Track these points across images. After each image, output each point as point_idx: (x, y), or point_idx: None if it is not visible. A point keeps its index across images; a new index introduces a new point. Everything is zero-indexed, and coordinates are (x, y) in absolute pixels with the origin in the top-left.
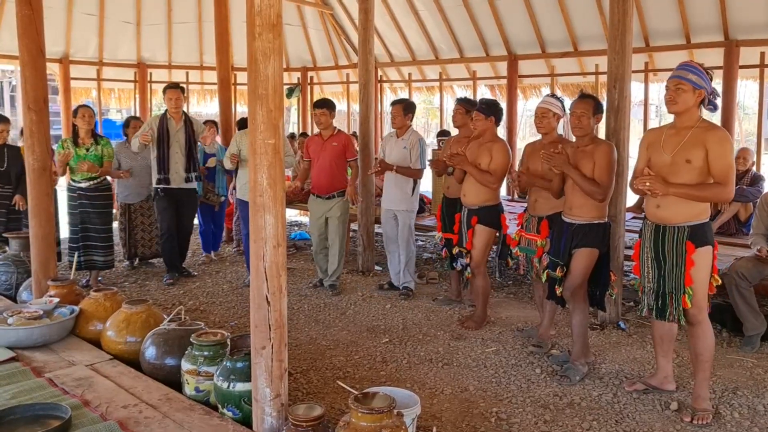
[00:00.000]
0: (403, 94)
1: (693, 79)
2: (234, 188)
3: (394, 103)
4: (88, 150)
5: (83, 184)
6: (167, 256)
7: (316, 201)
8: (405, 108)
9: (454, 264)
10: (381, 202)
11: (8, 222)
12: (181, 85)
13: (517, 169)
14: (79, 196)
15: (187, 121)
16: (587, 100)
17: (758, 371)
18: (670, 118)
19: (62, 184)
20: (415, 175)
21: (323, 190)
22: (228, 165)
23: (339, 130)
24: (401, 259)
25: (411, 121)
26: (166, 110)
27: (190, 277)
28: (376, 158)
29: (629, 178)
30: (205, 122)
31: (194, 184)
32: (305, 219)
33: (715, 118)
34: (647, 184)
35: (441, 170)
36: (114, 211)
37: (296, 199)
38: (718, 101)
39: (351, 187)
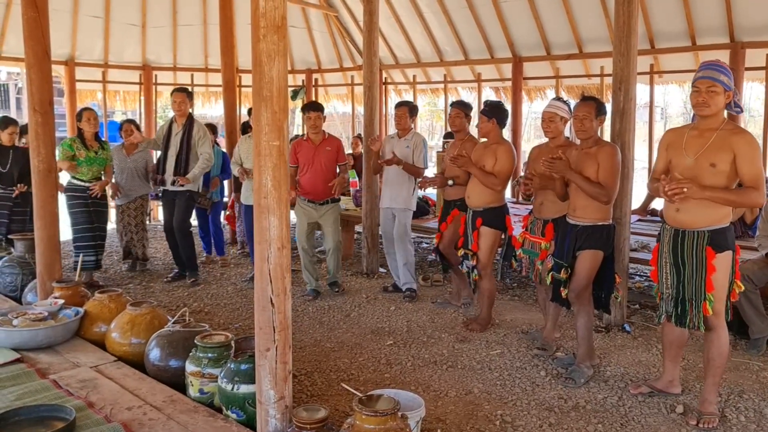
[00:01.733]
0: (408, 97)
1: (724, 81)
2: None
3: (399, 105)
4: (96, 153)
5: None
6: (172, 253)
7: (308, 207)
8: (411, 110)
9: (459, 267)
10: (380, 202)
11: (11, 223)
12: (189, 89)
13: (522, 173)
14: (89, 195)
15: (188, 124)
16: (589, 103)
17: (764, 374)
18: (675, 121)
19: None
20: (419, 173)
21: (319, 195)
22: (236, 172)
23: (329, 134)
24: (399, 259)
25: (414, 123)
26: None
27: (193, 279)
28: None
29: (635, 179)
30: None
31: (183, 188)
32: None
33: None
34: (685, 190)
35: (442, 184)
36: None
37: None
38: (740, 101)
39: (340, 186)
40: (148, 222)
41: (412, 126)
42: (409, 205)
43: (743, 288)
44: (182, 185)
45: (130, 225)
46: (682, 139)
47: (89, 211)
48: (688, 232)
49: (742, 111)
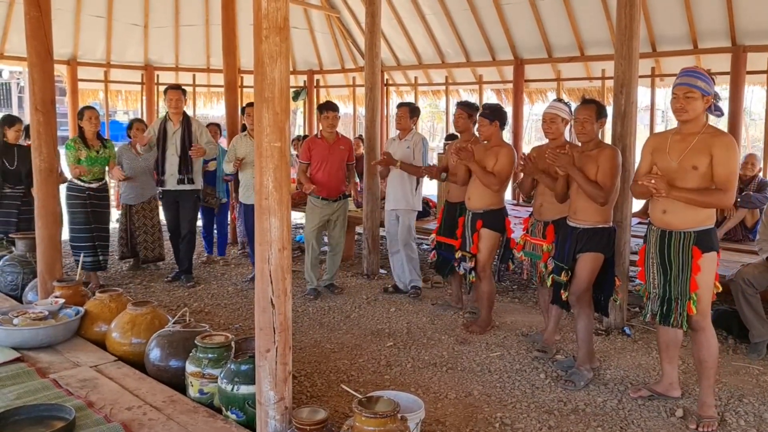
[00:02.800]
0: (409, 98)
1: (701, 86)
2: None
3: (400, 105)
4: (98, 152)
5: (93, 185)
6: (174, 253)
7: (321, 203)
8: (411, 111)
9: (456, 268)
10: (386, 203)
11: (19, 222)
12: (183, 87)
13: (522, 176)
14: (89, 196)
15: (185, 122)
16: (590, 106)
17: (765, 378)
18: (676, 124)
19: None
20: (418, 172)
21: (333, 193)
22: (230, 169)
23: (342, 134)
24: (403, 259)
25: (415, 124)
26: (167, 113)
27: (191, 282)
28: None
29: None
30: (208, 125)
31: (191, 186)
32: None
33: (722, 124)
34: (652, 181)
35: (434, 175)
36: (114, 211)
37: (302, 201)
38: (721, 104)
39: (355, 189)
40: None
41: (413, 127)
42: (413, 206)
43: (720, 289)
44: (191, 182)
45: (145, 226)
46: (666, 143)
47: (87, 212)
48: (675, 233)
49: (722, 114)
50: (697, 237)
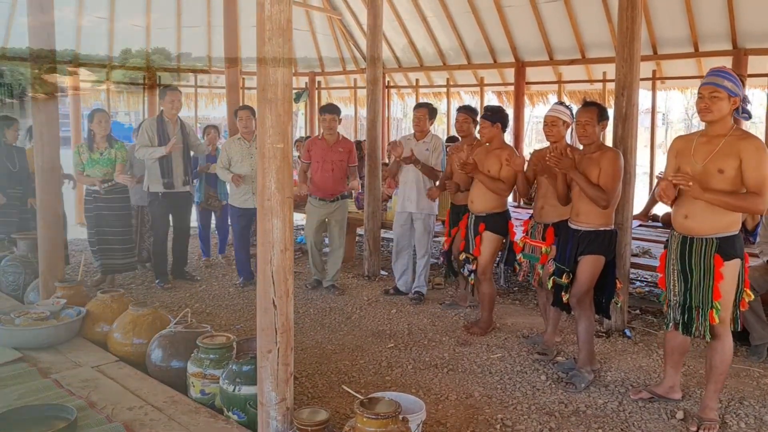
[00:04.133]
0: (411, 100)
1: (728, 86)
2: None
3: (419, 107)
4: (101, 154)
5: (96, 187)
6: (159, 262)
7: (318, 204)
8: (430, 112)
9: (461, 271)
10: (397, 205)
11: (20, 222)
12: (180, 88)
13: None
14: (95, 199)
15: (181, 124)
16: (591, 108)
17: (765, 381)
18: (676, 127)
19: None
20: (436, 176)
21: (328, 193)
22: (226, 178)
23: (343, 136)
24: (419, 263)
25: (432, 125)
26: (161, 113)
27: (194, 281)
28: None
29: (636, 185)
30: (207, 127)
31: (189, 187)
32: None
33: None
34: (690, 184)
35: (456, 190)
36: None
37: (302, 203)
38: (750, 108)
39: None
40: None
41: (430, 128)
42: (432, 210)
43: (753, 297)
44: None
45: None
46: (690, 145)
47: (91, 216)
48: (696, 239)
49: (749, 117)
50: (719, 244)
